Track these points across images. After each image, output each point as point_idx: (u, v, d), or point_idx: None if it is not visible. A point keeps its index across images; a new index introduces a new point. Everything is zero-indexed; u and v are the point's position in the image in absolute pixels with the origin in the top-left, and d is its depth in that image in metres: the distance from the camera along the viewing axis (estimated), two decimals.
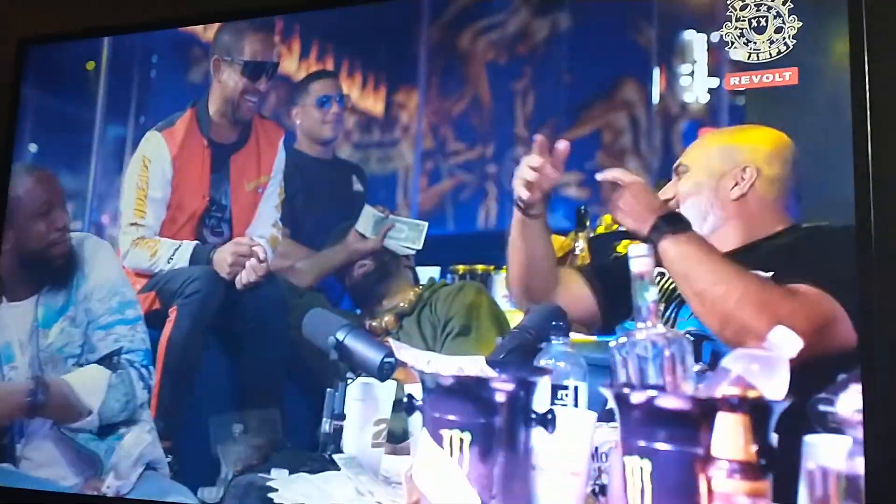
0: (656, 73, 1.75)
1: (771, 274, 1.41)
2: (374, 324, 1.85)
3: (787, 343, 1.12)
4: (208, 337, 1.90)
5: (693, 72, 1.72)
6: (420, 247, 1.88)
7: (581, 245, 1.73)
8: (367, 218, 1.91)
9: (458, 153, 1.94)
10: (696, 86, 1.71)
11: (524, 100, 1.88)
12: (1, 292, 1.92)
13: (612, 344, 1.19)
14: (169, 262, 1.94)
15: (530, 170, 1.59)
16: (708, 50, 1.66)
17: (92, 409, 1.78)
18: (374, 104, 2.02)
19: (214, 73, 2.01)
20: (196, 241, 1.96)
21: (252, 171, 2.01)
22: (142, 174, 1.98)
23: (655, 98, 1.75)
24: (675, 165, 1.60)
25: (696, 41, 1.69)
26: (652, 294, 1.20)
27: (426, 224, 1.89)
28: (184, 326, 1.86)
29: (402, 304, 1.86)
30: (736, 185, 1.52)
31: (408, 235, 1.86)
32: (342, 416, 1.39)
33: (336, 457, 1.34)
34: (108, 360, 1.82)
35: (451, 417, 1.15)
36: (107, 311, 1.84)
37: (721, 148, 1.57)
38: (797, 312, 1.32)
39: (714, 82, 1.67)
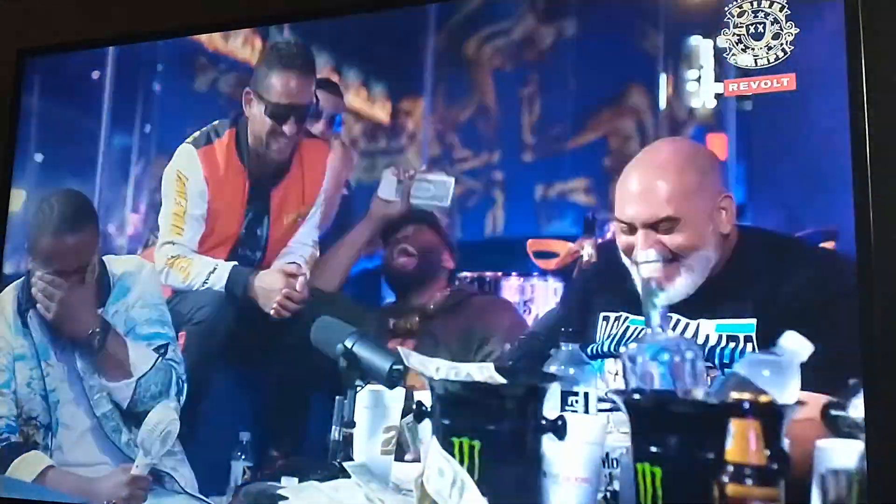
0: (663, 78, 1.76)
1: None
2: (398, 322, 1.84)
3: (798, 348, 1.12)
4: (218, 362, 1.90)
5: (700, 77, 1.72)
6: (448, 204, 1.85)
7: (589, 252, 1.73)
8: (389, 182, 1.87)
9: (464, 160, 1.94)
10: (702, 91, 1.72)
11: (530, 107, 1.89)
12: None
13: (623, 350, 1.20)
14: (205, 285, 1.90)
15: None
16: (714, 55, 1.67)
17: (133, 376, 1.81)
18: (380, 112, 2.03)
19: (246, 107, 1.94)
20: (234, 263, 1.91)
21: (294, 203, 1.95)
22: (179, 190, 1.93)
23: (662, 104, 1.76)
24: (653, 221, 1.47)
25: (702, 46, 1.70)
26: (662, 299, 1.21)
27: (452, 180, 1.86)
28: (192, 354, 1.86)
29: (430, 305, 1.85)
30: (724, 217, 1.48)
31: (435, 194, 1.83)
32: (352, 424, 1.39)
33: (346, 464, 1.34)
34: (157, 349, 1.86)
35: (461, 424, 1.15)
36: (147, 322, 1.87)
37: (700, 184, 1.49)
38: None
39: (721, 88, 1.68)
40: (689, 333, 1.46)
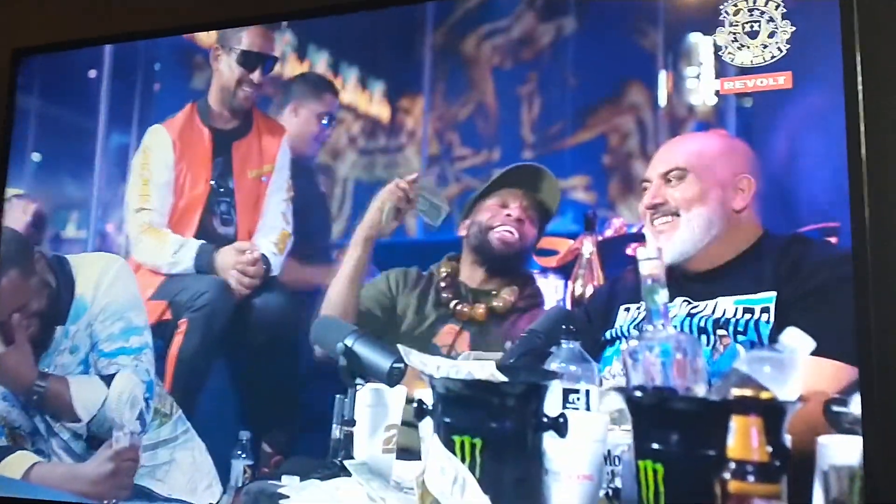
0: (662, 75, 1.77)
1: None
2: (461, 306, 1.76)
3: (799, 344, 1.13)
4: (219, 350, 1.90)
5: (699, 74, 1.73)
6: (437, 225, 1.84)
7: (590, 249, 1.74)
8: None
9: (464, 158, 1.95)
10: (702, 88, 1.72)
11: (530, 104, 1.89)
12: None
13: (623, 347, 1.20)
14: (173, 257, 1.95)
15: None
16: (714, 53, 1.67)
17: (82, 419, 1.80)
18: (379, 110, 2.04)
19: (214, 63, 2.05)
20: (201, 242, 1.96)
21: (254, 160, 2.02)
22: (144, 163, 2.01)
23: (662, 101, 1.77)
24: (665, 170, 1.57)
25: (701, 44, 1.71)
26: (662, 297, 1.21)
27: (447, 209, 1.85)
28: (193, 340, 1.86)
29: (497, 303, 1.78)
30: (739, 196, 1.53)
31: (427, 211, 1.83)
32: (352, 422, 1.40)
33: (347, 463, 1.34)
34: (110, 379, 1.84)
35: (462, 423, 1.15)
36: (109, 338, 1.85)
37: (721, 154, 1.56)
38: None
39: (717, 86, 1.68)
40: (707, 311, 1.48)
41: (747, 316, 1.44)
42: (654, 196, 1.56)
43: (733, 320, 1.45)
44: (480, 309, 1.76)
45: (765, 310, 1.43)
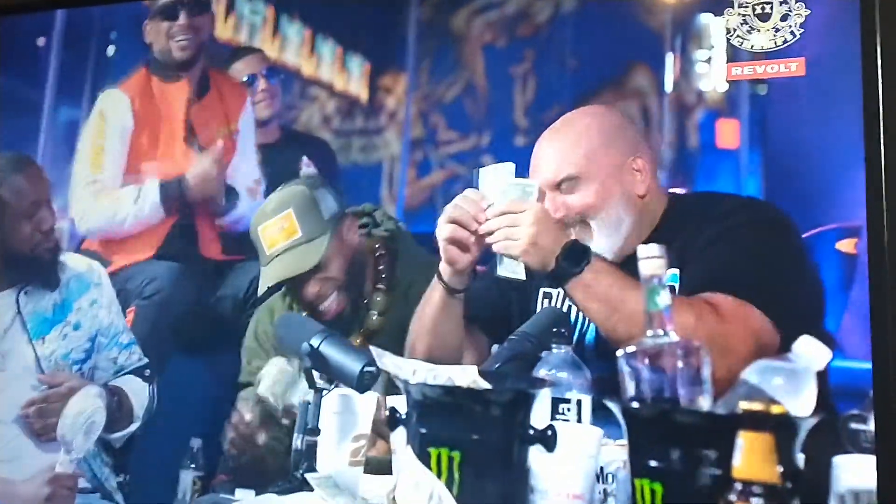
0: (669, 58, 1.76)
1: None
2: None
3: (814, 354, 1.11)
4: (171, 343, 1.88)
5: (710, 58, 1.72)
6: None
7: None
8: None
9: (450, 143, 1.94)
10: (713, 73, 1.72)
11: (524, 86, 1.89)
12: None
13: (620, 353, 1.18)
14: (135, 205, 1.95)
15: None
16: (724, 35, 1.66)
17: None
18: (357, 87, 2.02)
19: (146, 37, 2.06)
20: (157, 181, 1.96)
21: (219, 120, 2.03)
22: (99, 130, 2.01)
23: (669, 86, 1.76)
24: (555, 180, 1.53)
25: (713, 25, 1.70)
26: (664, 299, 1.19)
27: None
28: (140, 331, 1.84)
29: None
30: (637, 179, 1.53)
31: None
32: (316, 431, 1.38)
33: (309, 476, 1.32)
34: (140, 373, 1.84)
35: (440, 434, 1.13)
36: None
37: (604, 144, 1.54)
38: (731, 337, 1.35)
39: (728, 71, 1.67)
40: None
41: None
42: (555, 210, 1.52)
43: None
44: None
45: (672, 288, 1.43)
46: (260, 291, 1.72)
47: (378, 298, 1.74)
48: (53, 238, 1.89)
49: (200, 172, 1.95)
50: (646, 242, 1.40)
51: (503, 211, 1.47)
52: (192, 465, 1.67)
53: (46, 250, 1.86)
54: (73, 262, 1.91)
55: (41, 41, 2.17)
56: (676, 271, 1.46)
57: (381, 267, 1.76)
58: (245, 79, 2.06)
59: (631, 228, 1.53)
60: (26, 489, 1.74)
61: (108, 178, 1.99)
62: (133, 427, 1.81)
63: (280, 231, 1.70)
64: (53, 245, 1.88)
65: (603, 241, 1.52)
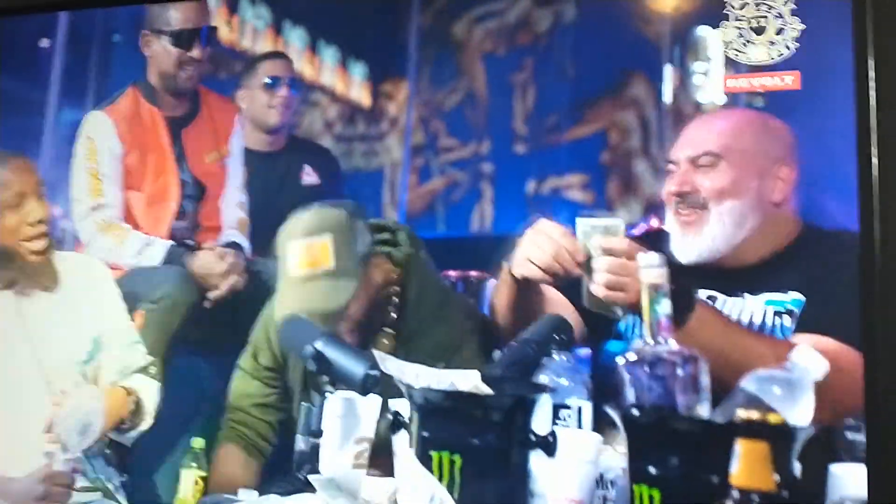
0: (668, 70, 1.77)
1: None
2: None
3: (811, 364, 1.12)
4: (175, 344, 1.87)
5: (708, 70, 1.73)
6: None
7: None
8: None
9: (450, 150, 1.94)
10: (711, 85, 1.72)
11: (524, 94, 1.89)
12: None
13: (621, 361, 1.18)
14: (137, 257, 1.92)
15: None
16: (721, 48, 1.67)
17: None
18: (359, 94, 2.02)
19: (145, 49, 2.01)
20: (170, 242, 1.93)
21: (209, 143, 2.01)
22: (90, 154, 1.98)
23: (667, 97, 1.76)
24: (694, 154, 1.49)
25: (710, 37, 1.71)
26: (665, 307, 1.20)
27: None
28: (149, 335, 1.83)
29: None
30: (777, 187, 1.47)
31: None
32: (319, 434, 1.37)
33: (311, 478, 1.32)
34: (146, 372, 1.81)
35: (442, 438, 1.14)
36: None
37: (759, 139, 1.50)
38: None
39: (730, 82, 1.68)
40: (732, 312, 1.44)
41: (777, 320, 1.42)
42: (682, 183, 1.49)
43: (759, 323, 1.42)
44: None
45: (789, 312, 1.41)
46: (277, 313, 1.63)
47: (385, 341, 1.68)
48: (45, 231, 1.86)
49: (207, 266, 1.91)
50: (765, 264, 1.44)
51: (608, 251, 1.38)
52: (195, 465, 1.66)
53: (37, 243, 1.84)
54: (73, 261, 1.90)
55: (44, 42, 2.16)
56: (802, 297, 1.41)
57: (390, 307, 1.69)
58: (268, 80, 2.03)
59: (750, 233, 1.46)
60: (18, 487, 1.72)
61: (110, 204, 1.97)
62: (145, 426, 1.80)
63: (310, 255, 1.61)
64: (45, 238, 1.85)
65: (716, 232, 1.46)
